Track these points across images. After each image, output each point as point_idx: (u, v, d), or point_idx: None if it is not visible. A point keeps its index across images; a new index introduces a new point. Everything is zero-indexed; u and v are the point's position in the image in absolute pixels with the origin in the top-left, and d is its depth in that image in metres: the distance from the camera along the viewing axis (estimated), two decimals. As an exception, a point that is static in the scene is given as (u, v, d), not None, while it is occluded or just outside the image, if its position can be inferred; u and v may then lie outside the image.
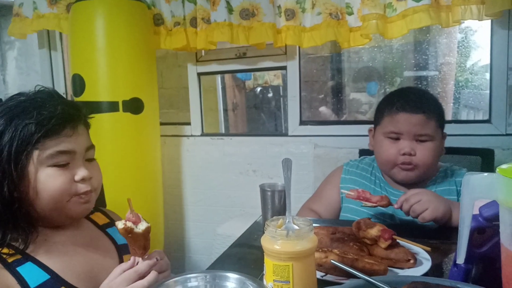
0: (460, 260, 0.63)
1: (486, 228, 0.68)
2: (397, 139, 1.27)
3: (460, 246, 0.62)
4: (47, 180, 0.83)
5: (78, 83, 1.94)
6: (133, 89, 1.96)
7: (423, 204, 1.11)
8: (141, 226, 0.77)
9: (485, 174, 0.59)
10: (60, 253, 0.87)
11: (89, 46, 1.92)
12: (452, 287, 0.53)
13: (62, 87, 2.58)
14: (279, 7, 1.93)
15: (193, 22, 2.06)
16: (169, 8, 2.07)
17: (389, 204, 1.17)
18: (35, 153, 0.82)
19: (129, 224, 0.77)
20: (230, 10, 1.94)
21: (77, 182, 0.86)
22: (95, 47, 1.91)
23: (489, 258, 0.70)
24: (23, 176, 0.81)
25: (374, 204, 1.17)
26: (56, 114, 0.83)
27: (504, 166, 0.56)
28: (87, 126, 0.93)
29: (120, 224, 0.77)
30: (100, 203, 1.04)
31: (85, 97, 1.91)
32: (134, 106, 1.96)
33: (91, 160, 0.93)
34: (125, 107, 1.93)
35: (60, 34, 2.51)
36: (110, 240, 0.99)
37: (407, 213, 1.14)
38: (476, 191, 0.56)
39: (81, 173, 0.86)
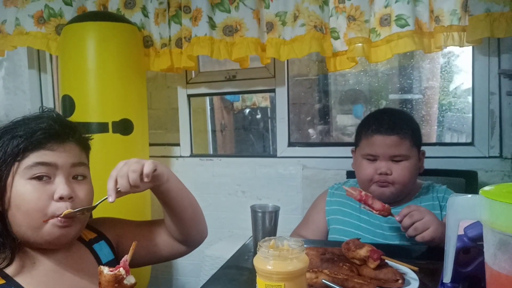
0: (447, 279, 0.65)
1: (471, 248, 0.70)
2: (374, 160, 1.32)
3: (446, 265, 0.64)
4: (23, 193, 0.79)
5: (68, 104, 1.95)
6: (123, 110, 1.98)
7: (425, 222, 1.12)
8: (131, 280, 0.71)
9: (469, 196, 0.62)
10: (47, 279, 0.83)
11: (79, 67, 1.94)
12: (440, 305, 0.55)
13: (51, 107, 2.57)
14: (265, 23, 1.96)
15: (179, 43, 2.09)
16: (158, 30, 2.11)
17: (390, 215, 1.19)
18: (15, 164, 0.80)
19: (122, 271, 0.70)
20: (212, 26, 1.96)
21: (56, 201, 0.81)
22: (86, 68, 1.93)
23: (475, 277, 0.72)
24: (4, 188, 0.79)
25: (374, 212, 1.19)
26: (41, 128, 0.82)
27: (487, 188, 0.59)
28: (82, 145, 0.90)
29: (106, 270, 0.69)
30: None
31: (74, 118, 1.91)
32: (124, 127, 1.97)
33: (80, 179, 0.87)
34: (114, 128, 1.94)
35: (50, 55, 2.53)
36: (96, 259, 0.94)
37: (406, 229, 1.14)
38: (461, 212, 0.58)
39: (60, 190, 0.81)
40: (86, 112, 1.93)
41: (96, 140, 1.89)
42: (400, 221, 1.16)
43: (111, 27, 1.95)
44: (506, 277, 0.55)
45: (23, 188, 0.80)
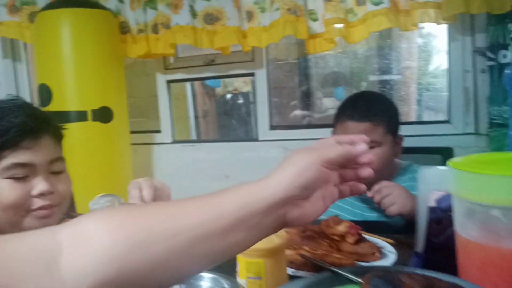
0: (419, 248, 0.67)
1: (443, 218, 0.73)
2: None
3: (418, 236, 0.66)
4: (1, 193, 0.78)
5: (45, 93, 1.92)
6: (102, 98, 1.96)
7: (392, 198, 1.16)
8: None
9: (439, 167, 0.64)
10: None
11: (55, 55, 1.91)
12: (409, 272, 0.57)
13: (27, 98, 2.53)
14: (244, 11, 1.97)
15: (155, 29, 2.07)
16: (134, 15, 2.08)
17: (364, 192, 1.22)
18: None
19: None
20: (194, 14, 1.96)
21: (35, 197, 0.81)
22: (62, 56, 1.90)
23: (447, 247, 0.74)
24: None
25: None
26: (15, 125, 0.79)
27: (455, 159, 0.61)
28: (57, 137, 0.89)
29: None
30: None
31: (52, 107, 1.89)
32: (104, 115, 1.95)
33: (58, 172, 0.87)
34: (94, 116, 1.92)
35: (24, 43, 2.47)
36: None
37: (378, 204, 1.19)
38: (431, 184, 0.60)
39: (39, 187, 0.81)
40: (64, 100, 1.90)
41: (76, 129, 1.90)
42: (372, 197, 1.20)
43: (86, 13, 1.92)
44: (474, 244, 0.57)
45: (0, 186, 0.78)
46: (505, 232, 0.54)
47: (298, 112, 2.95)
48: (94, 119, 1.93)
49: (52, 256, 0.42)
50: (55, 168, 0.86)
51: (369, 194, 1.20)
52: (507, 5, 1.60)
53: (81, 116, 1.89)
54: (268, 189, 0.48)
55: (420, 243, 0.66)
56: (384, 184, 1.19)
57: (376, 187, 1.20)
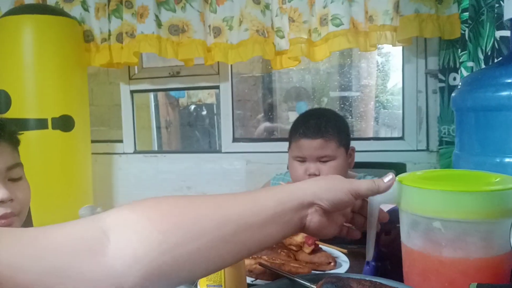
0: (369, 257, 0.72)
1: (391, 229, 0.78)
2: (304, 161, 1.40)
3: (368, 245, 0.71)
4: None
5: (4, 100, 1.88)
6: (63, 106, 1.93)
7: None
8: None
9: (388, 182, 0.69)
10: None
11: (16, 61, 1.87)
12: (358, 279, 0.62)
13: (-17, 103, 2.45)
14: (209, 26, 2.01)
15: (120, 38, 2.07)
16: (98, 24, 2.08)
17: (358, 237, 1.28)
18: None
19: None
20: (159, 24, 1.98)
21: None
22: (22, 62, 1.87)
23: (395, 256, 0.80)
24: None
25: None
26: None
27: (402, 175, 0.67)
28: (13, 143, 0.86)
29: None
30: (26, 225, 0.95)
31: (11, 114, 1.84)
32: (64, 123, 1.92)
33: (16, 179, 0.85)
34: (54, 125, 1.89)
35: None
36: None
37: None
38: (380, 197, 0.65)
39: None
40: (24, 107, 1.87)
41: (35, 137, 1.86)
42: None
43: (49, 20, 1.90)
44: (418, 253, 0.62)
45: None
46: (445, 242, 0.59)
47: (267, 124, 3.00)
48: (54, 127, 1.90)
49: (98, 243, 0.43)
50: (13, 175, 0.84)
51: None
52: (457, 31, 1.72)
53: (41, 124, 1.86)
54: (300, 191, 0.56)
55: (369, 252, 0.70)
56: None
57: None
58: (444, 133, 1.82)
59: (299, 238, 1.00)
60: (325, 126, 1.38)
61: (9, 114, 1.85)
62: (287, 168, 1.91)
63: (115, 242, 0.43)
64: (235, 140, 2.27)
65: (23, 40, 1.86)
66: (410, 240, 0.65)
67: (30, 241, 0.41)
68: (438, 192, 0.57)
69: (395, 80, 2.71)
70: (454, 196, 0.56)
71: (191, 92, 3.70)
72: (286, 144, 2.17)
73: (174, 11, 1.98)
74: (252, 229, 0.50)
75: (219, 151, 2.28)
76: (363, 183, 0.59)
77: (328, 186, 0.57)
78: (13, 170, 0.84)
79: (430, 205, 0.58)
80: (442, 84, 1.83)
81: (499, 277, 0.58)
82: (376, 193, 0.60)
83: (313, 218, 0.56)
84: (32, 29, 1.88)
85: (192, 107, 3.85)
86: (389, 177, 0.61)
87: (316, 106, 3.01)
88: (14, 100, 1.86)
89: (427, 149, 1.97)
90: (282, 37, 1.94)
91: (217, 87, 2.25)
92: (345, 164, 1.42)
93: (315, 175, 1.37)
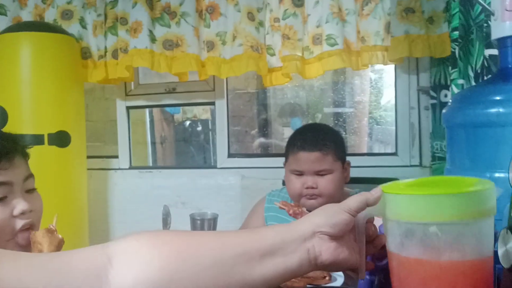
0: (361, 276, 0.72)
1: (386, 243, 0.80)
2: (301, 174, 1.41)
3: (360, 264, 0.72)
4: None
5: (0, 115, 1.89)
6: (59, 122, 1.94)
7: None
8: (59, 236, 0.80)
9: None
10: None
11: (13, 78, 1.89)
12: (354, 290, 0.63)
13: (-21, 119, 2.45)
14: (203, 41, 2.03)
15: (115, 54, 2.10)
16: (96, 41, 2.11)
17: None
18: None
19: (52, 226, 0.80)
20: (153, 39, 2.00)
21: (16, 217, 0.82)
22: (20, 79, 1.89)
23: (388, 270, 0.81)
24: None
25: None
26: None
27: (385, 185, 0.66)
28: (26, 156, 0.90)
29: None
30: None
31: (7, 129, 1.81)
32: (61, 139, 1.93)
33: (31, 191, 0.88)
34: (50, 140, 1.90)
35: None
36: None
37: None
38: (365, 211, 0.65)
39: (20, 206, 0.82)
40: (20, 123, 1.88)
41: (31, 153, 1.85)
42: None
43: (47, 37, 1.92)
44: (415, 261, 0.61)
45: None
46: (443, 246, 0.57)
47: (262, 140, 3.02)
48: (51, 143, 1.90)
49: (103, 269, 0.45)
50: (28, 186, 0.88)
51: None
52: (447, 50, 1.77)
53: (37, 139, 1.87)
54: (299, 224, 0.56)
55: (362, 271, 0.71)
56: None
57: None
58: (437, 149, 1.85)
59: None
60: (322, 139, 1.40)
61: (6, 129, 1.84)
62: (283, 184, 1.93)
63: (117, 268, 0.46)
64: (230, 155, 2.29)
65: (20, 57, 1.88)
66: (405, 249, 0.63)
67: (43, 264, 0.45)
68: (433, 197, 0.57)
69: (388, 97, 2.75)
70: (448, 198, 0.56)
71: (186, 108, 3.72)
72: (282, 159, 2.19)
73: (169, 26, 2.01)
74: (252, 260, 0.50)
75: (214, 167, 2.29)
76: (352, 198, 0.59)
77: (323, 212, 0.58)
78: (28, 181, 0.88)
79: (425, 211, 0.58)
80: (434, 101, 1.86)
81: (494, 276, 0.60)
82: (366, 205, 0.60)
83: (322, 246, 0.55)
84: (30, 46, 1.90)
85: (187, 123, 3.87)
86: (377, 189, 0.62)
87: (310, 121, 3.04)
88: (11, 116, 1.87)
89: (420, 165, 2.00)
90: (273, 54, 1.97)
91: (213, 103, 2.28)
92: (342, 178, 1.44)
93: (312, 188, 1.38)
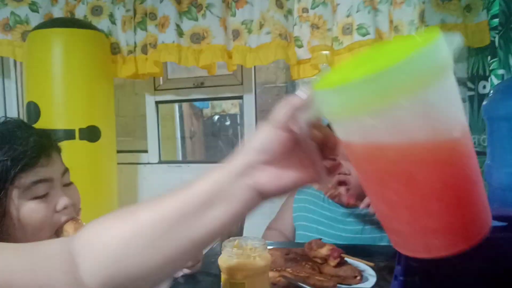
0: (398, 272, 0.69)
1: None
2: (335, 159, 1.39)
3: (398, 260, 0.68)
4: (30, 215, 0.79)
5: (33, 111, 1.93)
6: (90, 117, 1.97)
7: None
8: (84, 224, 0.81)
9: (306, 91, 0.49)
10: None
11: (45, 74, 1.92)
12: (388, 293, 0.59)
13: (15, 114, 2.52)
14: (230, 31, 2.00)
15: (144, 49, 2.10)
16: (125, 36, 2.12)
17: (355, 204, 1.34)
18: (14, 190, 0.78)
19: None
20: (180, 33, 2.00)
21: (58, 212, 0.83)
22: (52, 75, 1.91)
23: (425, 271, 0.77)
24: (3, 215, 0.77)
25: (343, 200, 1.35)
26: (30, 147, 0.80)
27: (318, 81, 0.48)
28: (60, 151, 0.91)
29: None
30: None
31: (40, 124, 1.88)
32: (91, 134, 1.96)
33: (68, 184, 0.90)
34: (81, 135, 1.93)
35: (14, 61, 2.48)
36: None
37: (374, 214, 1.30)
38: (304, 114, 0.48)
39: (62, 201, 0.84)
40: (52, 119, 1.91)
41: (63, 147, 1.89)
42: (366, 207, 1.30)
43: (78, 33, 1.94)
44: (363, 155, 0.47)
45: (28, 210, 0.80)
46: (385, 135, 0.43)
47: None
48: (81, 138, 1.93)
49: (72, 260, 0.50)
50: (66, 180, 0.89)
51: (361, 205, 1.28)
52: (486, 39, 1.68)
53: (68, 134, 1.90)
54: (232, 161, 0.50)
55: (399, 266, 0.67)
56: None
57: (367, 199, 1.28)
58: (474, 143, 1.76)
59: (324, 250, 0.98)
60: None
61: (38, 125, 1.89)
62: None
63: (80, 259, 0.50)
64: (258, 150, 2.26)
65: (52, 53, 1.91)
66: (351, 145, 0.48)
67: (27, 251, 0.51)
68: (354, 84, 0.41)
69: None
70: (375, 79, 0.40)
71: (215, 102, 3.73)
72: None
73: (196, 19, 1.99)
74: (190, 218, 0.49)
75: (243, 161, 2.27)
76: (278, 109, 0.49)
77: (254, 139, 0.49)
78: (65, 176, 0.88)
79: (350, 102, 0.43)
80: (472, 93, 1.78)
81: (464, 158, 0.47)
82: (293, 109, 0.48)
83: (261, 177, 0.49)
84: (61, 42, 1.92)
85: (216, 117, 3.88)
86: (305, 87, 0.49)
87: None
88: (43, 111, 1.91)
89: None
90: (301, 46, 1.93)
91: (241, 97, 2.25)
92: None
93: (345, 174, 1.37)
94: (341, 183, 1.39)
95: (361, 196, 1.36)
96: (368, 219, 1.41)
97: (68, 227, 0.81)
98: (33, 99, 1.94)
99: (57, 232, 0.85)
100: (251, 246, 0.78)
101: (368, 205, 1.29)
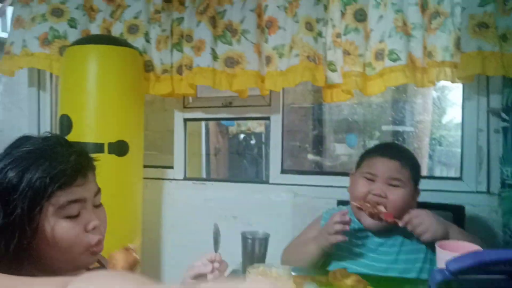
0: None
1: (451, 281, 0.73)
2: (372, 180, 1.36)
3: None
4: (61, 233, 0.80)
5: (66, 124, 1.98)
6: (120, 132, 2.01)
7: (424, 226, 1.27)
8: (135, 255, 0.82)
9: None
10: None
11: (79, 88, 1.98)
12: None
13: (48, 127, 2.60)
14: (266, 57, 2.02)
15: (180, 70, 2.15)
16: (159, 55, 2.17)
17: (394, 221, 1.31)
18: (49, 207, 0.79)
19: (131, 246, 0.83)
20: (215, 57, 2.03)
21: (88, 232, 0.84)
22: (86, 89, 1.97)
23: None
24: (36, 231, 0.78)
25: (383, 217, 1.31)
26: (69, 166, 0.80)
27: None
28: (94, 170, 0.91)
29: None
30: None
31: (71, 137, 1.93)
32: (120, 148, 1.99)
33: (98, 205, 0.90)
34: (110, 149, 1.96)
35: (51, 74, 2.57)
36: None
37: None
38: None
39: (93, 222, 0.84)
40: (83, 132, 1.95)
41: (91, 160, 1.92)
42: (404, 225, 1.29)
43: (113, 50, 2.00)
44: None
45: (60, 227, 0.80)
46: None
47: (313, 157, 2.97)
48: (110, 152, 1.97)
49: None
50: (97, 201, 0.89)
51: (400, 223, 1.28)
52: (523, 69, 1.63)
53: (98, 148, 1.93)
54: None
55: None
56: (414, 213, 1.29)
57: (406, 217, 1.29)
58: (507, 175, 1.71)
59: (349, 281, 0.96)
60: (404, 152, 1.46)
61: (69, 138, 1.94)
62: (338, 204, 1.86)
63: None
64: (283, 171, 2.25)
65: (87, 68, 1.97)
66: None
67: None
68: None
69: (451, 115, 2.60)
70: None
71: (241, 121, 3.75)
72: (336, 178, 2.13)
73: (231, 44, 2.03)
74: None
75: (267, 182, 2.26)
76: None
77: None
78: (97, 196, 0.89)
79: None
80: (506, 124, 1.73)
81: None
82: None
83: None
84: (97, 57, 1.98)
85: (242, 135, 3.90)
86: None
87: (367, 139, 2.95)
88: (75, 124, 1.96)
89: (488, 192, 1.86)
90: (334, 70, 1.93)
91: (268, 118, 2.26)
92: (410, 200, 1.39)
93: (380, 196, 1.33)
94: (378, 204, 1.36)
95: (399, 216, 1.34)
96: (403, 249, 1.37)
97: (119, 256, 0.80)
98: (66, 112, 1.99)
99: (92, 252, 0.85)
100: (275, 273, 0.77)
101: (407, 223, 1.28)
